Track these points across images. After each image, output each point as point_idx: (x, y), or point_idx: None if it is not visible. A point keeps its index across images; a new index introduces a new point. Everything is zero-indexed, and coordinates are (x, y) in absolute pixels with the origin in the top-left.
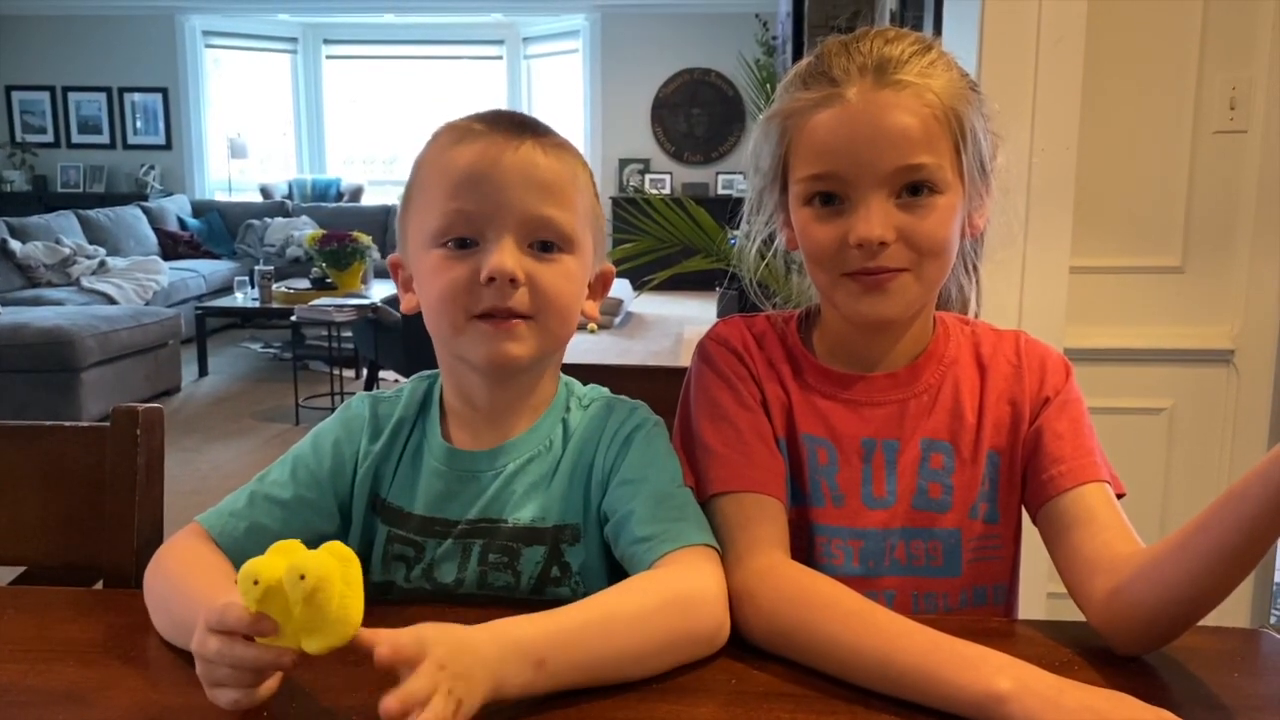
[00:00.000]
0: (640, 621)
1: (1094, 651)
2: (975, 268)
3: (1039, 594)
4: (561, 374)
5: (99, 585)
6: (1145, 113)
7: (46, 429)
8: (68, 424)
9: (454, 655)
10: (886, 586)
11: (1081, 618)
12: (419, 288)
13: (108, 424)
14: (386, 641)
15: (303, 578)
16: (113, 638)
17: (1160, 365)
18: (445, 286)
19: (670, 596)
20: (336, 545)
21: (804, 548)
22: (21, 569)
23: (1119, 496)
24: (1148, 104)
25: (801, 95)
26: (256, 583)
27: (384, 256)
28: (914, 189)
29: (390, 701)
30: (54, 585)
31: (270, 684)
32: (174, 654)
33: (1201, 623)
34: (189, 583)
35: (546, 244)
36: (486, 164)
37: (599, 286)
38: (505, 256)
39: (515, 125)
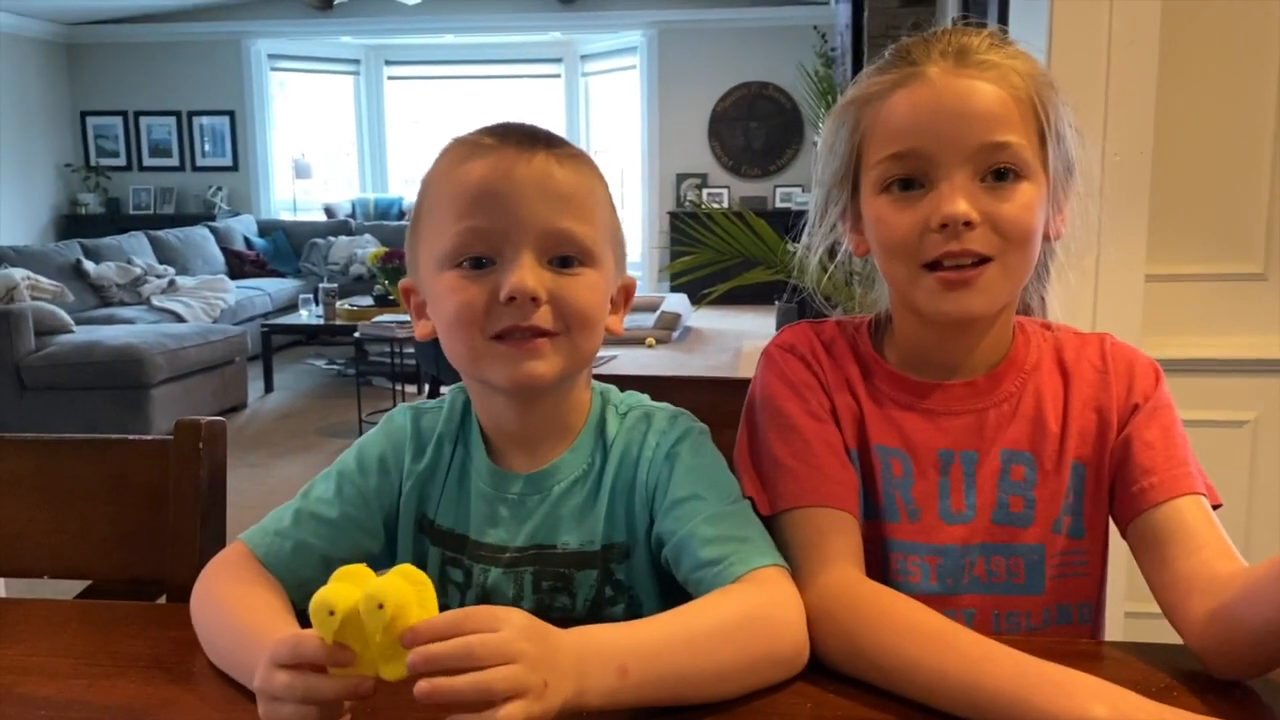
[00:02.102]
0: (722, 638)
1: (1193, 677)
2: (1046, 271)
3: (1116, 612)
4: (595, 382)
5: (162, 599)
6: (1224, 114)
7: (111, 442)
8: (131, 437)
9: (546, 655)
10: (966, 605)
11: (1173, 639)
12: (433, 312)
13: (171, 437)
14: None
15: (381, 606)
16: (174, 654)
17: (1243, 376)
18: (461, 308)
19: (751, 616)
20: (408, 569)
21: (878, 565)
22: (87, 583)
23: (1215, 508)
24: (1226, 105)
25: (878, 79)
26: (332, 613)
27: None
28: (999, 173)
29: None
30: (118, 600)
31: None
32: None
33: None
34: (239, 617)
35: (567, 259)
36: (499, 178)
37: (622, 300)
38: (525, 274)
39: (527, 137)
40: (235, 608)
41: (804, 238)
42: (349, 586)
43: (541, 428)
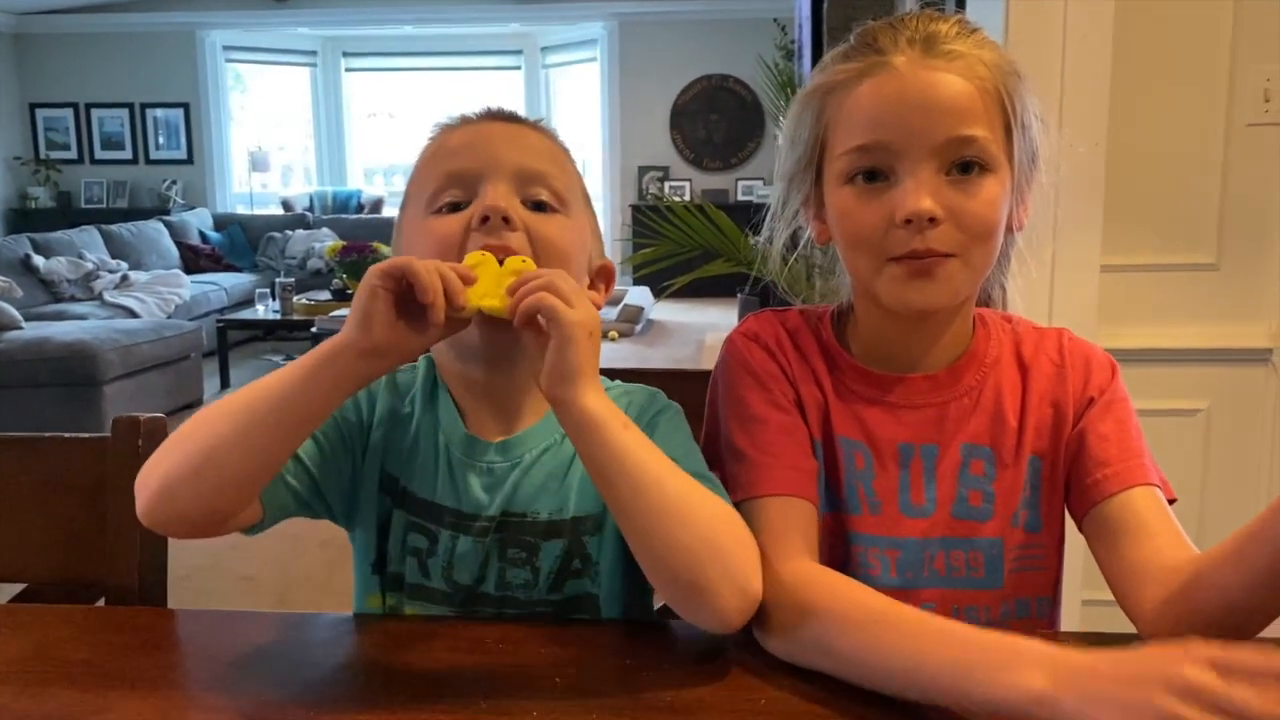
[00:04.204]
0: (704, 498)
1: None
2: (1008, 261)
3: (1073, 601)
4: None
5: (101, 602)
6: (1176, 106)
7: (45, 440)
8: (67, 435)
9: (596, 326)
10: (925, 599)
11: (1127, 628)
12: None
13: (108, 435)
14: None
15: (501, 262)
16: (111, 658)
17: (1196, 365)
18: (437, 239)
19: (728, 514)
20: None
21: (840, 557)
22: (21, 586)
23: (1170, 503)
24: (1179, 97)
25: (843, 67)
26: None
27: None
28: (964, 166)
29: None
30: (54, 603)
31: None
32: (177, 674)
33: (1264, 634)
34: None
35: (540, 204)
36: (478, 135)
37: (601, 281)
38: (498, 195)
39: (506, 112)
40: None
41: (765, 227)
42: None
43: (513, 393)
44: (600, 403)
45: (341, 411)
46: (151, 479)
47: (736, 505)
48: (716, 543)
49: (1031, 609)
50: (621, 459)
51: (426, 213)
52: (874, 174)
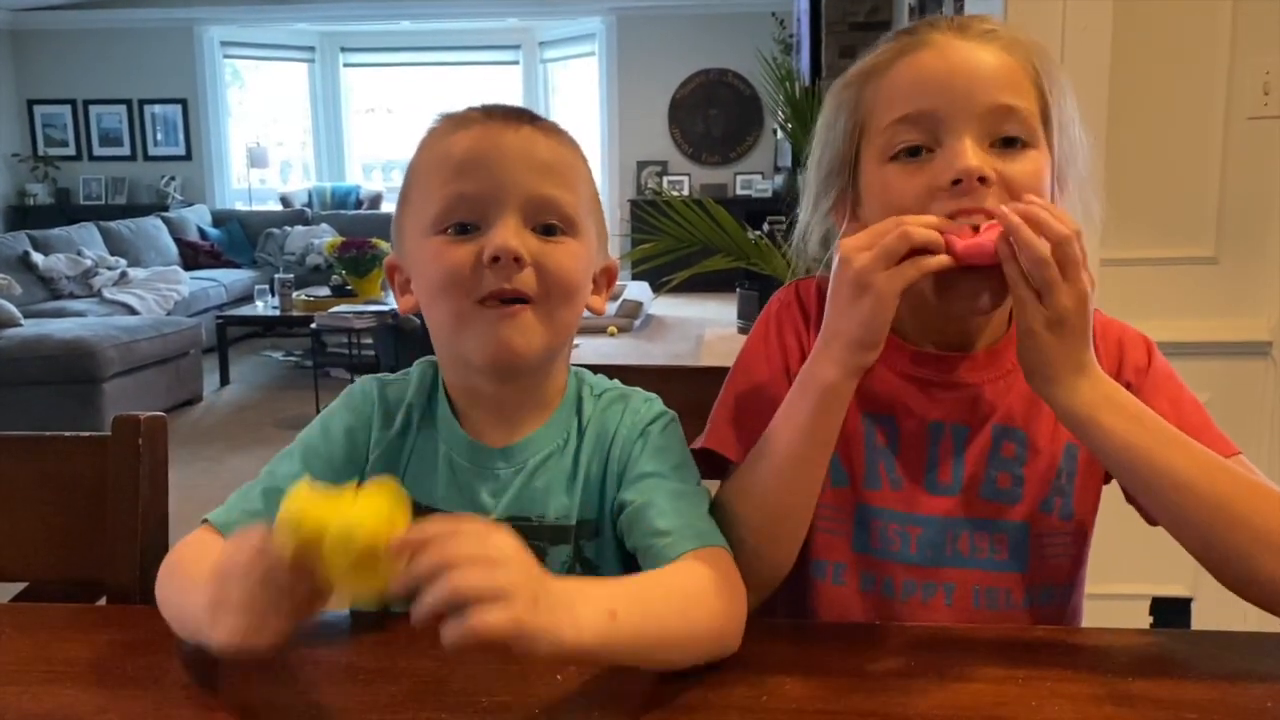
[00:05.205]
0: (696, 600)
1: (1149, 662)
2: None
3: None
4: (571, 365)
5: (102, 601)
6: (1175, 100)
7: (46, 439)
8: (68, 434)
9: (538, 576)
10: (946, 579)
11: (1127, 622)
12: (417, 279)
13: (109, 434)
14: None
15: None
16: (113, 657)
17: (1195, 359)
18: (446, 270)
19: (720, 586)
20: (388, 486)
21: (857, 531)
22: (22, 585)
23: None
24: (1178, 91)
25: (879, 52)
26: (298, 529)
27: None
28: (1008, 140)
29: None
30: (55, 602)
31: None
32: (178, 673)
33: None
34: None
35: (550, 228)
36: (486, 146)
37: (604, 281)
38: (509, 235)
39: (512, 112)
40: (202, 573)
41: (795, 238)
42: (323, 507)
43: (518, 402)
44: (590, 625)
45: (330, 460)
46: (163, 610)
47: (700, 450)
48: (725, 630)
49: (1055, 596)
50: (634, 649)
51: (433, 231)
52: (916, 150)
